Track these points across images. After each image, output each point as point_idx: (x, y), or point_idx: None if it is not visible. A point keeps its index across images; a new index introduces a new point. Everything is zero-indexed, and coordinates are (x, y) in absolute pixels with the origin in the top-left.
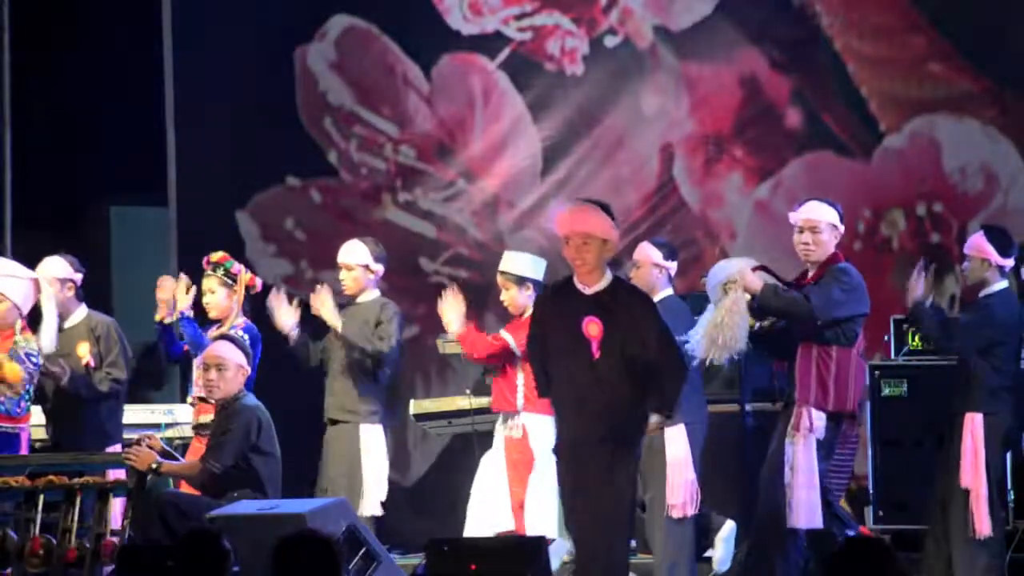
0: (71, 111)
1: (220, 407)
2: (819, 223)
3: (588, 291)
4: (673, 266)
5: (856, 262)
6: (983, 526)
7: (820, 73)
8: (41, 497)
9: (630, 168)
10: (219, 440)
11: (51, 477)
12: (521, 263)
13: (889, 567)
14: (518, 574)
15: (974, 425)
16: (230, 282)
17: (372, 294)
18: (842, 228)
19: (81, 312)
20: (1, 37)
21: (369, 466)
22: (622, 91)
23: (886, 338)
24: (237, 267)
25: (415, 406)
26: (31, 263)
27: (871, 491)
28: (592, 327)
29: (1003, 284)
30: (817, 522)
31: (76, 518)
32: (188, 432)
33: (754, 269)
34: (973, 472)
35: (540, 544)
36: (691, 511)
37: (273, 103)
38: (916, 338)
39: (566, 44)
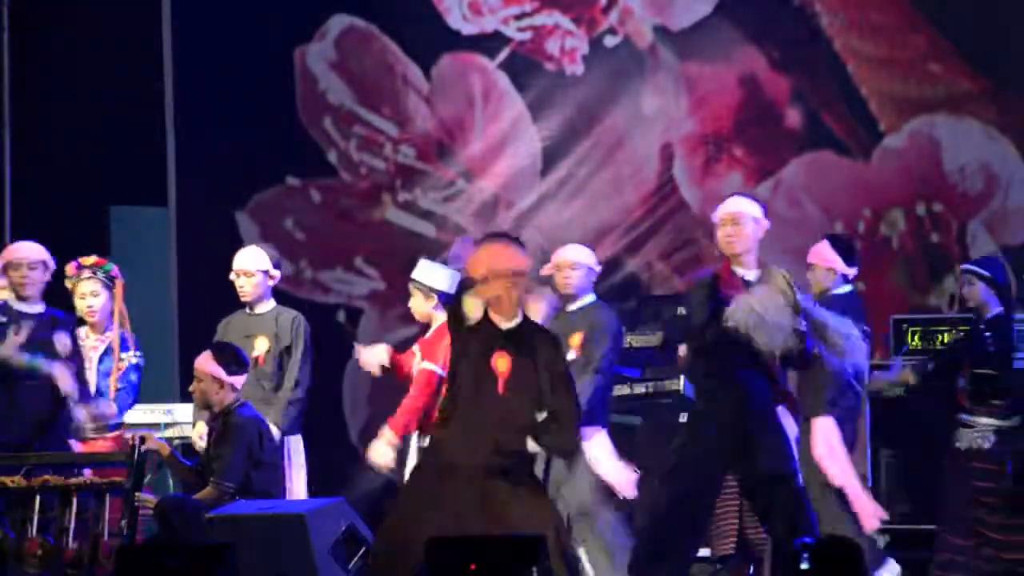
0: (71, 111)
1: (216, 418)
2: (742, 215)
3: (504, 326)
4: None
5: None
6: (872, 520)
7: (820, 73)
8: (38, 497)
9: (630, 168)
10: (226, 460)
11: (47, 477)
12: (434, 275)
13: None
14: (518, 574)
15: (826, 430)
16: (110, 284)
17: (269, 303)
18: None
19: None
20: (1, 37)
21: (297, 476)
22: (622, 91)
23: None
24: (115, 269)
25: None
26: None
27: (871, 491)
28: (501, 362)
29: (848, 288)
30: None
31: (73, 518)
32: (188, 432)
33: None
34: (842, 471)
35: (541, 543)
36: None
37: (273, 103)
38: (916, 338)
39: (566, 44)
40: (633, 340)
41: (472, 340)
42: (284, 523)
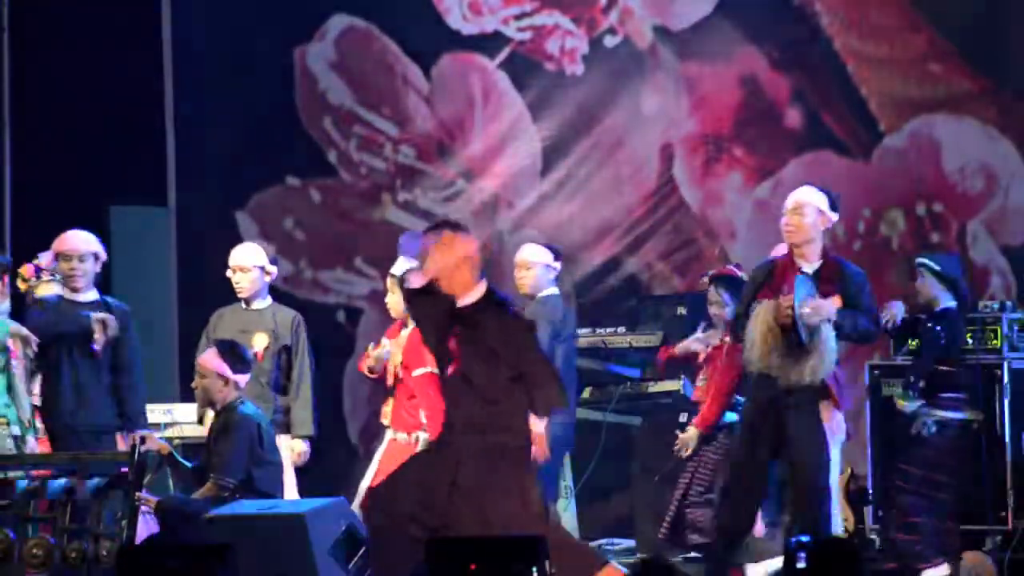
0: (71, 111)
1: (217, 414)
2: (805, 205)
3: (458, 304)
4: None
5: (856, 262)
6: None
7: (820, 73)
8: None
9: (630, 168)
10: (226, 457)
11: (48, 476)
12: None
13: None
14: (518, 574)
15: None
16: None
17: (266, 300)
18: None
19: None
20: (1, 37)
21: (288, 475)
22: (622, 91)
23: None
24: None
25: None
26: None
27: (871, 491)
28: (454, 341)
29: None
30: None
31: (73, 518)
32: (188, 432)
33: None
34: None
35: (542, 543)
36: None
37: (273, 103)
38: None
39: (566, 44)
40: (633, 340)
41: (434, 323)
42: (284, 523)
